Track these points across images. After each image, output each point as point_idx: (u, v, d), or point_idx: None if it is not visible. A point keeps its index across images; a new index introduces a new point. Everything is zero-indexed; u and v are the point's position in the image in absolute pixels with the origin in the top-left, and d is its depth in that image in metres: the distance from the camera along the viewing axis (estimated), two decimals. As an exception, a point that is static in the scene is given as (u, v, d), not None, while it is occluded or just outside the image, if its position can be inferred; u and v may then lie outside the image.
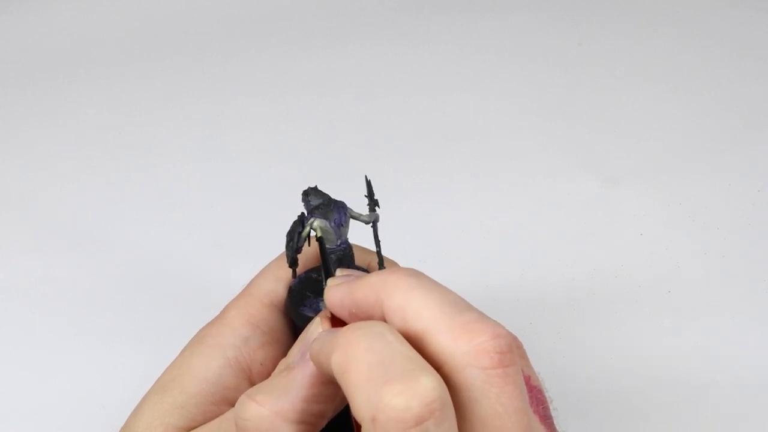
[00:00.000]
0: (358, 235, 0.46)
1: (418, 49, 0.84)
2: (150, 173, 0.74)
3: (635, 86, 0.80)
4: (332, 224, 0.43)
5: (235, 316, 0.45)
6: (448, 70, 0.82)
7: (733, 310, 0.63)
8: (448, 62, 0.83)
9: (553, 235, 0.68)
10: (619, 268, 0.66)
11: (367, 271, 0.45)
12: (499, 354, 0.33)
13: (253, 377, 0.45)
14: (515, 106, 0.78)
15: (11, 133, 0.78)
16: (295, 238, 0.43)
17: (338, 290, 0.37)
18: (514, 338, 0.33)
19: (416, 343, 0.34)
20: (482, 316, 0.34)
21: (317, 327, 0.38)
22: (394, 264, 0.48)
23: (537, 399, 0.36)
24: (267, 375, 0.44)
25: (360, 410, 0.32)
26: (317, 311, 0.43)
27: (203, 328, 0.46)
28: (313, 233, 0.43)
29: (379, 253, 0.45)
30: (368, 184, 0.45)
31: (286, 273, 0.46)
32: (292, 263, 0.44)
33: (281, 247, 0.44)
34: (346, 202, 0.44)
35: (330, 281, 0.39)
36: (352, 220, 0.44)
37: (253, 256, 0.49)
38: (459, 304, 0.34)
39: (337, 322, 0.37)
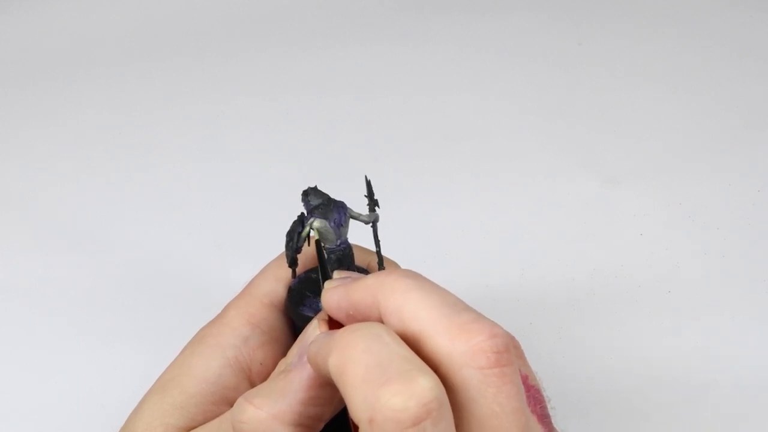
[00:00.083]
0: (358, 235, 0.46)
1: (418, 49, 0.84)
2: (150, 173, 0.74)
3: (635, 86, 0.80)
4: (332, 224, 0.43)
5: (235, 315, 0.45)
6: (448, 70, 0.82)
7: (733, 310, 0.63)
8: (448, 62, 0.83)
9: (553, 235, 0.68)
10: (619, 268, 0.66)
11: (366, 271, 0.45)
12: (496, 354, 0.33)
13: (253, 377, 0.45)
14: (515, 106, 0.78)
15: (11, 133, 0.78)
16: (295, 238, 0.43)
17: (335, 292, 0.37)
18: (512, 338, 0.33)
19: (413, 344, 0.34)
20: (479, 317, 0.34)
21: (315, 329, 0.38)
22: (394, 264, 0.48)
23: (534, 398, 0.36)
24: (267, 375, 0.44)
25: (357, 411, 0.32)
26: (317, 311, 0.43)
27: (203, 328, 0.46)
28: (313, 234, 0.43)
29: (378, 253, 0.45)
30: (368, 184, 0.45)
31: (285, 273, 0.46)
32: (292, 263, 0.44)
33: (281, 247, 0.44)
34: (345, 202, 0.44)
35: (327, 284, 0.39)
36: (351, 220, 0.44)
37: (253, 256, 0.49)
38: (456, 305, 0.34)
39: (334, 324, 0.37)
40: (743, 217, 0.69)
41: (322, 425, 0.37)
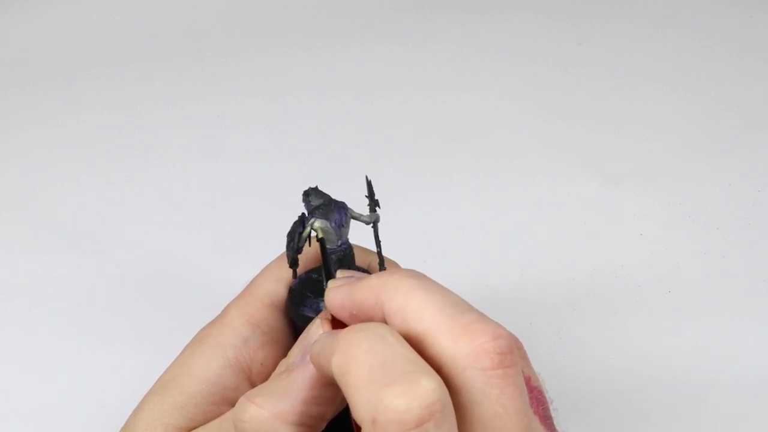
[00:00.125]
0: (358, 235, 0.46)
1: (418, 49, 0.84)
2: (150, 173, 0.74)
3: (635, 86, 0.80)
4: (333, 225, 0.43)
5: (235, 316, 0.45)
6: (448, 70, 0.82)
7: (733, 310, 0.63)
8: (448, 62, 0.83)
9: (553, 235, 0.68)
10: (619, 268, 0.66)
11: (367, 271, 0.45)
12: (500, 355, 0.33)
13: (253, 377, 0.45)
14: (515, 106, 0.78)
15: (11, 133, 0.78)
16: (296, 238, 0.43)
17: (339, 292, 0.37)
18: (515, 339, 0.33)
19: (417, 345, 0.34)
20: (483, 317, 0.34)
21: (318, 329, 0.38)
22: (395, 264, 0.48)
23: (537, 400, 0.36)
24: (267, 375, 0.44)
25: (360, 412, 0.32)
26: (317, 311, 0.43)
27: (203, 328, 0.46)
28: (314, 234, 0.43)
29: (379, 253, 0.45)
30: (368, 184, 0.45)
31: (286, 273, 0.46)
32: (293, 263, 0.44)
33: (281, 247, 0.44)
34: (346, 203, 0.44)
35: (330, 283, 0.39)
36: (352, 221, 0.44)
37: (253, 256, 0.49)
38: (459, 305, 0.34)
39: (337, 323, 0.37)
40: (743, 217, 0.69)
41: (324, 425, 0.37)
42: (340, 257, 0.44)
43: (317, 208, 0.43)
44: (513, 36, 0.85)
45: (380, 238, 0.45)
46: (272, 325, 0.45)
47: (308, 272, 0.45)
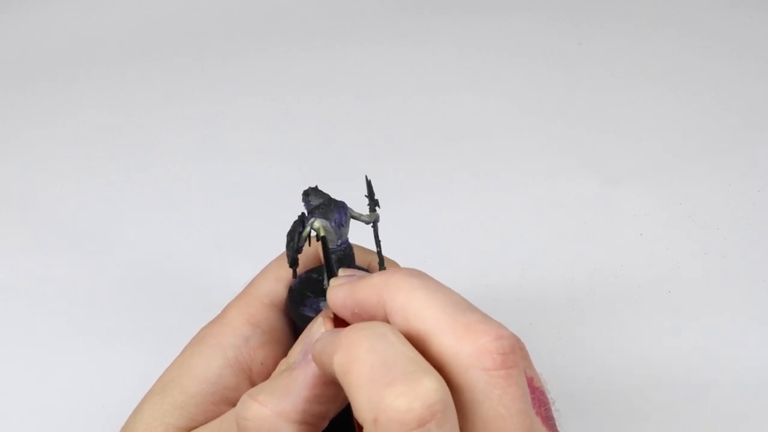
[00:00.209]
0: (358, 235, 0.46)
1: (418, 49, 0.84)
2: (150, 173, 0.74)
3: (635, 86, 0.80)
4: (332, 224, 0.43)
5: (235, 315, 0.45)
6: (448, 70, 0.82)
7: (733, 310, 0.63)
8: (448, 62, 0.83)
9: (553, 235, 0.68)
10: (619, 268, 0.66)
11: (368, 271, 0.45)
12: (502, 355, 0.33)
13: (254, 377, 0.45)
14: (515, 106, 0.78)
15: (11, 133, 0.78)
16: (296, 238, 0.43)
17: (341, 290, 0.37)
18: (517, 339, 0.33)
19: (419, 344, 0.34)
20: (485, 317, 0.34)
21: (319, 327, 0.38)
22: (395, 264, 0.48)
23: (539, 400, 0.36)
24: (267, 375, 0.44)
25: (362, 411, 0.32)
26: (317, 311, 0.43)
27: (203, 328, 0.46)
28: (313, 233, 0.43)
29: (379, 253, 0.45)
30: (368, 184, 0.45)
31: (286, 273, 0.46)
32: (293, 263, 0.44)
33: (281, 247, 0.44)
34: (346, 202, 0.44)
35: (332, 281, 0.39)
36: (352, 220, 0.44)
37: (253, 256, 0.49)
38: (461, 305, 0.34)
39: (339, 322, 0.37)
40: (743, 217, 0.69)
41: (326, 423, 0.37)
42: (339, 257, 0.44)
43: (317, 207, 0.43)
44: (513, 36, 0.85)
45: (380, 238, 0.45)
46: (272, 324, 0.45)
47: (308, 272, 0.45)
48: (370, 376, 0.32)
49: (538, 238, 0.68)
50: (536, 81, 0.81)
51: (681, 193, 0.71)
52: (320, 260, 0.45)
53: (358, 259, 0.45)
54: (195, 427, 0.43)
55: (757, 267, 0.66)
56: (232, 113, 0.79)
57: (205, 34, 0.86)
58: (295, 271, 0.45)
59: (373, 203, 0.45)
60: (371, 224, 0.45)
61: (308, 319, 0.41)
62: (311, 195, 0.44)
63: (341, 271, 0.41)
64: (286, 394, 0.36)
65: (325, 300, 0.40)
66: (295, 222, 0.43)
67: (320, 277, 0.44)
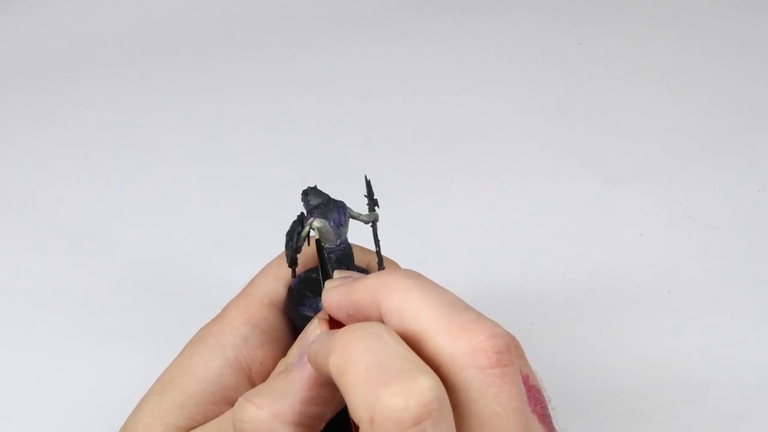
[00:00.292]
0: (357, 234, 0.46)
1: (418, 49, 0.84)
2: (150, 173, 0.74)
3: (635, 86, 0.80)
4: (332, 224, 0.43)
5: (235, 315, 0.45)
6: (448, 70, 0.82)
7: (733, 310, 0.63)
8: (448, 62, 0.83)
9: (553, 235, 0.68)
10: (619, 268, 0.66)
11: (366, 271, 0.45)
12: (497, 354, 0.33)
13: (253, 376, 0.45)
14: (515, 106, 0.78)
15: (11, 133, 0.78)
16: (295, 237, 0.43)
17: (336, 292, 0.37)
18: (512, 338, 0.33)
19: (414, 344, 0.34)
20: (480, 316, 0.34)
21: (315, 329, 0.38)
22: (394, 264, 0.48)
23: (535, 398, 0.36)
24: (266, 374, 0.44)
25: (358, 411, 0.32)
26: (317, 311, 0.43)
27: (203, 328, 0.46)
28: (312, 233, 0.43)
29: (378, 252, 0.45)
30: (368, 184, 0.45)
31: (285, 273, 0.46)
32: (292, 263, 0.44)
33: (281, 246, 0.44)
34: (345, 202, 0.44)
35: (327, 283, 0.39)
36: (351, 220, 0.44)
37: (253, 256, 0.49)
38: (456, 305, 0.34)
39: (335, 324, 0.37)
40: (743, 217, 0.69)
41: (323, 425, 0.37)
42: (339, 256, 0.44)
43: (316, 207, 0.43)
44: (513, 36, 0.85)
45: (380, 238, 0.45)
46: (272, 324, 0.45)
47: (307, 272, 0.45)
48: (366, 377, 0.32)
49: (538, 238, 0.68)
50: (536, 81, 0.81)
51: (681, 193, 0.71)
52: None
53: (358, 259, 0.45)
54: (194, 426, 0.43)
55: (757, 267, 0.66)
56: (232, 113, 0.79)
57: (205, 34, 0.86)
58: (294, 271, 0.45)
59: (373, 203, 0.45)
60: (370, 224, 0.45)
61: (307, 319, 0.41)
62: (310, 195, 0.44)
63: (336, 273, 0.41)
64: (283, 396, 0.36)
65: (324, 300, 0.40)
66: (294, 222, 0.43)
67: (319, 277, 0.44)
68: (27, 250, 0.68)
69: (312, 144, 0.76)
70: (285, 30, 0.86)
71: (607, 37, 0.85)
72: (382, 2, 0.89)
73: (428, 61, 0.83)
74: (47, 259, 0.67)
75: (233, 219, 0.70)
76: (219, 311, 0.47)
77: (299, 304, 0.44)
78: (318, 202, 0.44)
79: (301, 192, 0.44)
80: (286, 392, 0.36)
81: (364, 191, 0.45)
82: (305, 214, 0.44)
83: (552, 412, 0.37)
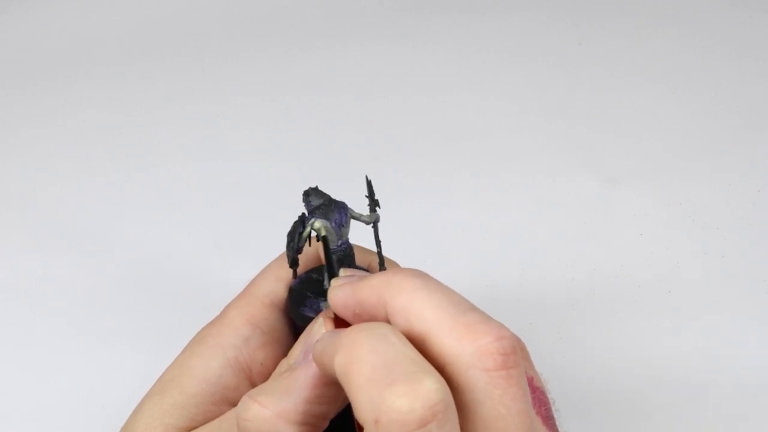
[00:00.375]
0: (358, 235, 0.46)
1: (418, 49, 0.84)
2: (150, 173, 0.74)
3: (635, 86, 0.80)
4: (333, 224, 0.43)
5: (235, 316, 0.45)
6: (448, 70, 0.82)
7: (733, 310, 0.63)
8: (448, 62, 0.83)
9: (553, 235, 0.68)
10: (619, 268, 0.66)
11: (368, 271, 0.45)
12: (503, 356, 0.33)
13: (254, 377, 0.45)
14: (515, 106, 0.78)
15: (11, 133, 0.78)
16: (296, 238, 0.43)
17: (342, 291, 0.37)
18: (518, 340, 0.34)
19: (420, 344, 0.34)
20: (486, 318, 0.34)
21: (320, 327, 0.38)
22: (395, 264, 0.48)
23: (540, 400, 0.36)
24: (267, 375, 0.44)
25: (363, 412, 0.32)
26: (317, 311, 0.43)
27: (203, 328, 0.46)
28: (314, 234, 0.43)
29: (379, 253, 0.45)
30: (368, 184, 0.45)
31: (286, 273, 0.45)
32: (293, 263, 0.44)
33: (281, 247, 0.44)
34: (346, 203, 0.44)
35: (334, 281, 0.39)
36: (352, 221, 0.44)
37: (253, 256, 0.49)
38: (462, 305, 0.34)
39: (340, 322, 0.37)
40: (743, 217, 0.69)
41: (326, 424, 0.37)
42: (340, 257, 0.44)
43: (317, 208, 0.43)
44: (513, 36, 0.85)
45: (380, 238, 0.45)
46: (272, 324, 0.45)
47: (308, 272, 0.45)
48: (371, 377, 0.32)
49: (538, 238, 0.68)
50: (536, 81, 0.81)
51: (681, 193, 0.71)
52: (320, 260, 0.45)
53: (359, 260, 0.45)
54: (195, 427, 0.43)
55: (757, 267, 0.66)
56: (232, 113, 0.79)
57: (205, 34, 0.86)
58: (295, 272, 0.45)
59: (374, 203, 0.45)
60: (371, 224, 0.45)
61: (308, 320, 0.41)
62: (311, 195, 0.44)
63: (342, 271, 0.41)
64: (287, 395, 0.36)
65: (326, 300, 0.40)
66: (295, 222, 0.43)
67: (320, 278, 0.44)
68: (27, 250, 0.68)
69: (312, 144, 0.76)
70: (285, 30, 0.86)
71: (607, 37, 0.85)
72: (382, 2, 0.89)
73: (428, 61, 0.83)
74: (47, 259, 0.67)
75: (233, 219, 0.70)
76: (219, 311, 0.47)
77: (300, 305, 0.44)
78: (319, 203, 0.44)
79: (302, 192, 0.44)
80: (290, 391, 0.36)
81: (365, 191, 0.45)
82: (306, 214, 0.44)
83: (556, 414, 0.37)
